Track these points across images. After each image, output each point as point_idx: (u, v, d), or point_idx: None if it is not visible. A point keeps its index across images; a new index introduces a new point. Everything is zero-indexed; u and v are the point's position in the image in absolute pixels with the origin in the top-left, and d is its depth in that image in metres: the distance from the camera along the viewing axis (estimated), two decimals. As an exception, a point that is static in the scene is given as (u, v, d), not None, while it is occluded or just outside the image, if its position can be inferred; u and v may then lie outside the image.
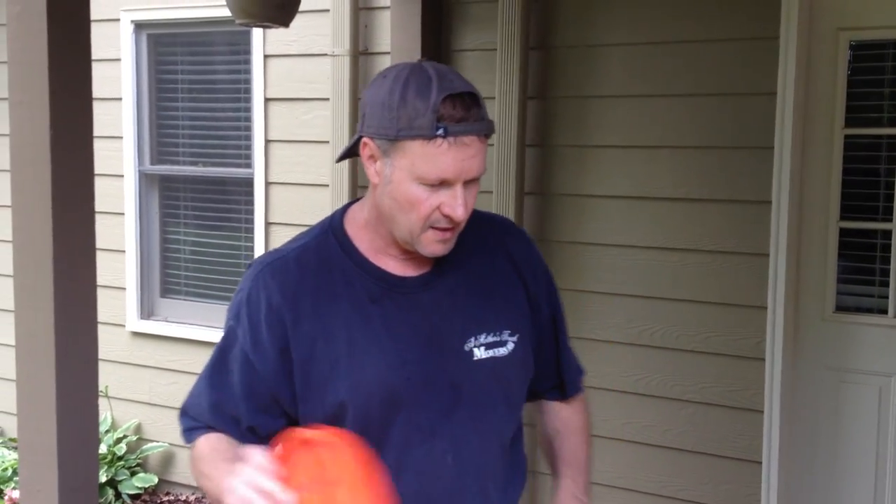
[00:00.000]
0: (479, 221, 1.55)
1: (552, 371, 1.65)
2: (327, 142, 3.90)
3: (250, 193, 4.22)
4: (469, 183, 1.39)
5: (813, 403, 3.21)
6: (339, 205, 3.95)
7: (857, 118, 3.12)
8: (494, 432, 1.51)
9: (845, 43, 3.07)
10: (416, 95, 1.35)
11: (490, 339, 1.48)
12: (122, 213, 4.52)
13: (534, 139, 3.51)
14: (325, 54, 3.88)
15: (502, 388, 1.51)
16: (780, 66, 3.04)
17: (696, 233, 3.24)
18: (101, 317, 4.50)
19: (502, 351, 1.49)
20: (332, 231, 1.51)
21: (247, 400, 1.45)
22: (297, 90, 4.03)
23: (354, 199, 1.57)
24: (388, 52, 3.69)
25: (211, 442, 1.48)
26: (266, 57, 4.09)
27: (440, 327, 1.46)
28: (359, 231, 1.49)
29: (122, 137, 4.48)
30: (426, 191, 1.37)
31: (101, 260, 4.50)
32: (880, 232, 3.13)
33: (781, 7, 3.03)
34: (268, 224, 4.16)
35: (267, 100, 4.11)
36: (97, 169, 4.75)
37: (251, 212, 4.23)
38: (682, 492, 3.34)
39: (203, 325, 4.39)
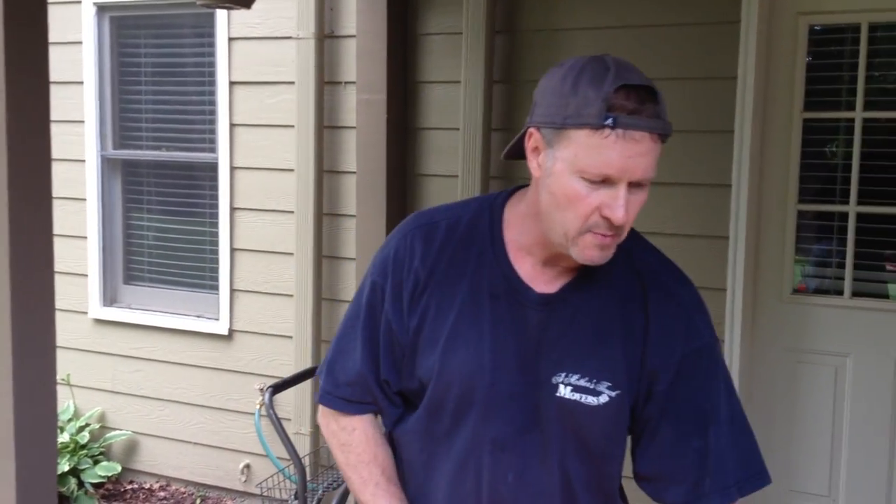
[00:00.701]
0: (642, 262, 1.45)
1: (676, 469, 1.42)
2: (292, 126, 3.88)
3: (215, 178, 4.19)
4: (635, 187, 1.29)
5: (771, 384, 3.26)
6: (305, 190, 3.99)
7: (816, 102, 3.17)
8: (561, 470, 1.43)
9: (805, 27, 3.12)
10: (589, 84, 1.28)
11: (582, 382, 1.39)
12: (84, 199, 4.47)
13: (500, 123, 3.53)
14: (290, 37, 3.86)
15: (580, 435, 1.42)
16: (741, 50, 3.08)
17: (658, 216, 3.27)
18: (63, 304, 4.52)
19: (591, 400, 1.39)
20: (490, 210, 1.47)
21: (385, 353, 1.48)
22: (262, 73, 4.01)
23: (523, 185, 1.48)
24: (354, 36, 3.68)
25: (369, 433, 1.54)
26: (230, 39, 4.06)
27: (538, 351, 1.41)
28: (512, 219, 1.45)
29: (83, 121, 4.43)
30: (587, 187, 1.28)
31: (63, 246, 4.50)
32: (837, 214, 3.18)
33: (742, -9, 3.07)
34: (233, 209, 4.14)
35: (231, 83, 4.08)
36: (58, 154, 4.71)
37: (215, 197, 4.20)
38: (645, 472, 3.38)
39: (167, 312, 4.37)
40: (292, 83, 3.86)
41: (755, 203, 3.17)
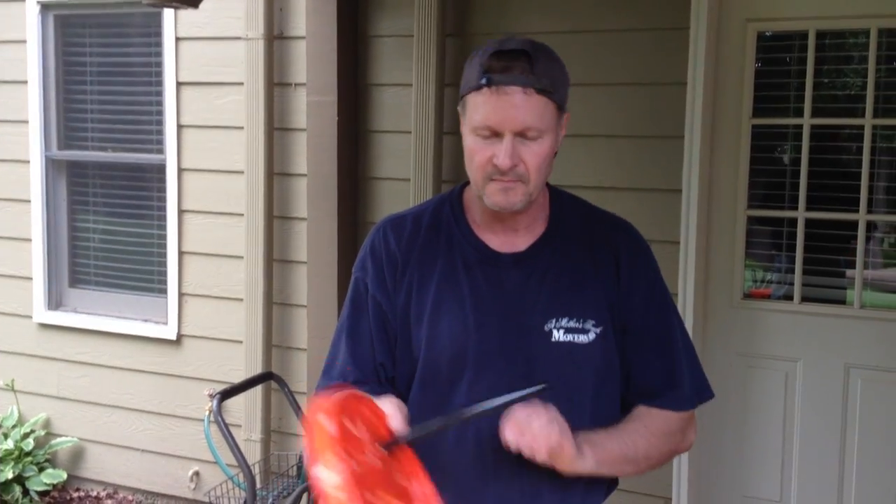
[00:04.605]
0: (593, 216, 1.65)
1: (643, 386, 1.61)
2: (241, 127, 3.82)
3: (162, 180, 4.11)
4: (526, 139, 1.46)
5: (722, 388, 3.25)
6: (255, 192, 3.94)
7: (765, 108, 3.18)
8: (565, 413, 1.50)
9: (753, 34, 3.12)
10: (476, 55, 1.50)
11: (572, 324, 1.53)
12: (28, 201, 4.38)
13: (451, 127, 3.49)
14: (239, 38, 3.80)
15: (581, 374, 1.55)
16: (690, 56, 3.07)
17: (609, 221, 3.26)
18: (6, 308, 4.44)
19: (582, 338, 1.54)
20: (449, 199, 1.65)
21: (378, 336, 1.58)
22: (210, 74, 3.94)
23: None
24: (304, 37, 3.63)
25: None
26: (178, 39, 3.99)
27: (522, 304, 1.54)
28: (470, 203, 1.62)
29: (27, 122, 4.34)
30: (480, 142, 1.48)
31: (7, 249, 4.41)
32: (786, 220, 3.20)
33: (691, -2, 3.07)
34: (181, 212, 4.07)
35: (179, 83, 4.01)
36: (1, 154, 4.61)
37: (163, 199, 4.12)
38: (597, 477, 3.37)
39: (114, 316, 4.29)
40: (241, 84, 3.80)
41: (705, 208, 3.17)
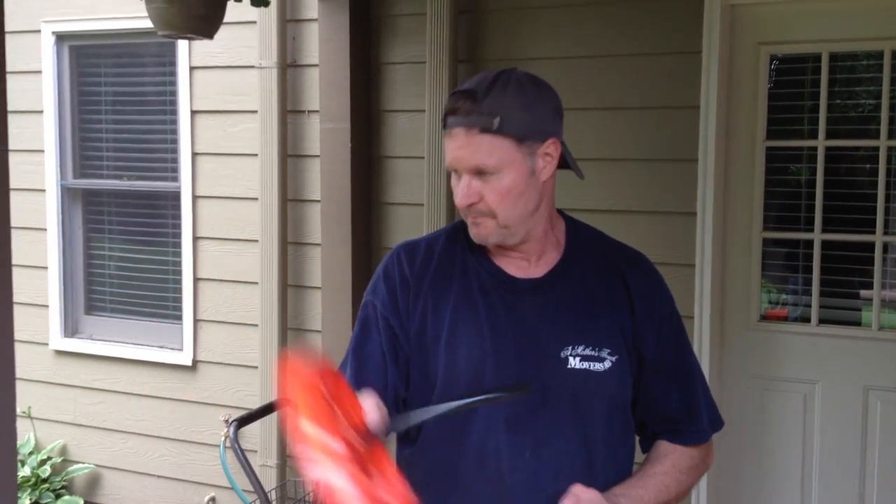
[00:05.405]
0: (608, 247, 1.66)
1: (665, 414, 1.64)
2: (256, 154, 3.84)
3: (177, 207, 4.13)
4: (485, 175, 1.48)
5: (740, 411, 3.25)
6: (269, 219, 3.94)
7: (779, 130, 3.18)
8: (579, 440, 1.54)
9: (766, 57, 3.13)
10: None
11: (588, 352, 1.54)
12: (44, 229, 4.40)
13: (464, 152, 3.50)
14: (253, 66, 3.82)
15: (594, 402, 1.56)
16: (703, 79, 3.07)
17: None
18: (23, 335, 4.44)
19: (598, 366, 1.54)
20: (463, 226, 1.62)
21: (392, 360, 1.57)
22: (225, 102, 3.97)
23: None
24: (317, 65, 3.65)
25: None
26: (192, 69, 4.02)
27: (539, 330, 1.55)
28: None
29: (43, 151, 4.37)
30: (454, 180, 1.52)
31: (23, 277, 4.42)
32: (802, 242, 3.19)
33: (704, 21, 3.07)
34: (195, 238, 4.08)
35: (193, 112, 4.03)
36: (17, 183, 4.62)
37: (178, 226, 4.14)
38: (615, 502, 3.35)
39: (129, 343, 4.30)
40: (255, 112, 3.82)
41: (720, 231, 3.17)
